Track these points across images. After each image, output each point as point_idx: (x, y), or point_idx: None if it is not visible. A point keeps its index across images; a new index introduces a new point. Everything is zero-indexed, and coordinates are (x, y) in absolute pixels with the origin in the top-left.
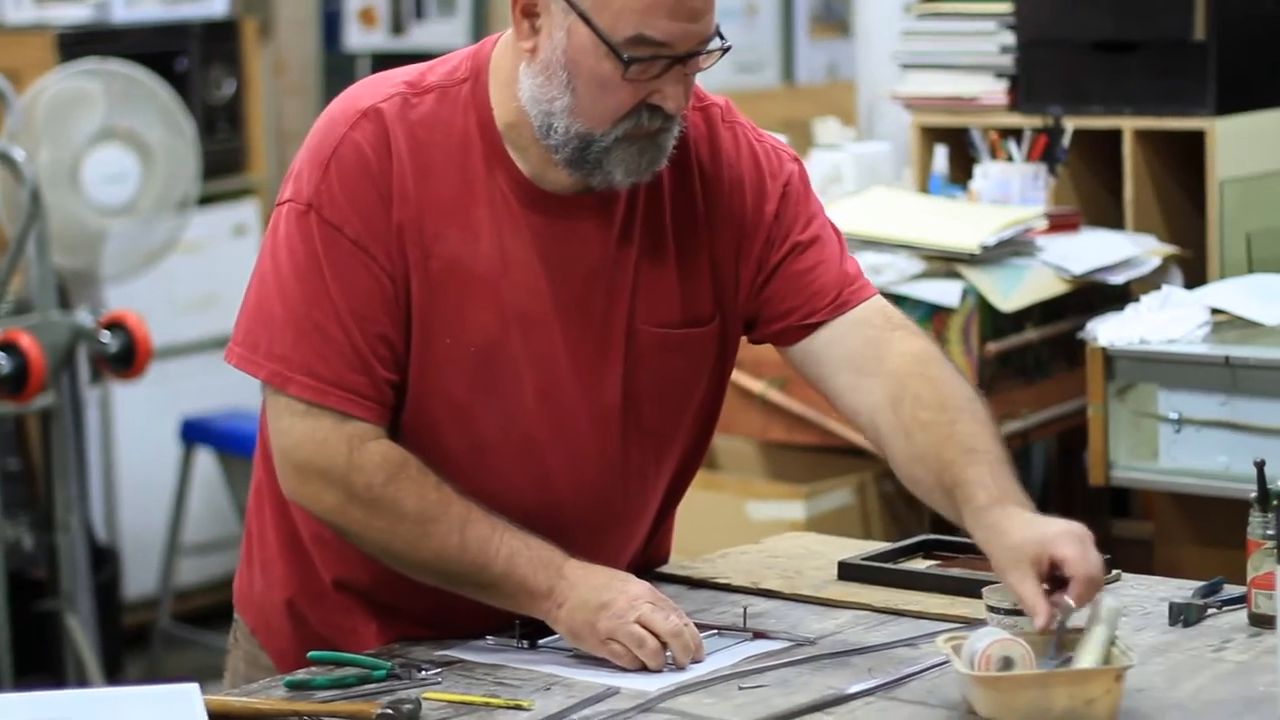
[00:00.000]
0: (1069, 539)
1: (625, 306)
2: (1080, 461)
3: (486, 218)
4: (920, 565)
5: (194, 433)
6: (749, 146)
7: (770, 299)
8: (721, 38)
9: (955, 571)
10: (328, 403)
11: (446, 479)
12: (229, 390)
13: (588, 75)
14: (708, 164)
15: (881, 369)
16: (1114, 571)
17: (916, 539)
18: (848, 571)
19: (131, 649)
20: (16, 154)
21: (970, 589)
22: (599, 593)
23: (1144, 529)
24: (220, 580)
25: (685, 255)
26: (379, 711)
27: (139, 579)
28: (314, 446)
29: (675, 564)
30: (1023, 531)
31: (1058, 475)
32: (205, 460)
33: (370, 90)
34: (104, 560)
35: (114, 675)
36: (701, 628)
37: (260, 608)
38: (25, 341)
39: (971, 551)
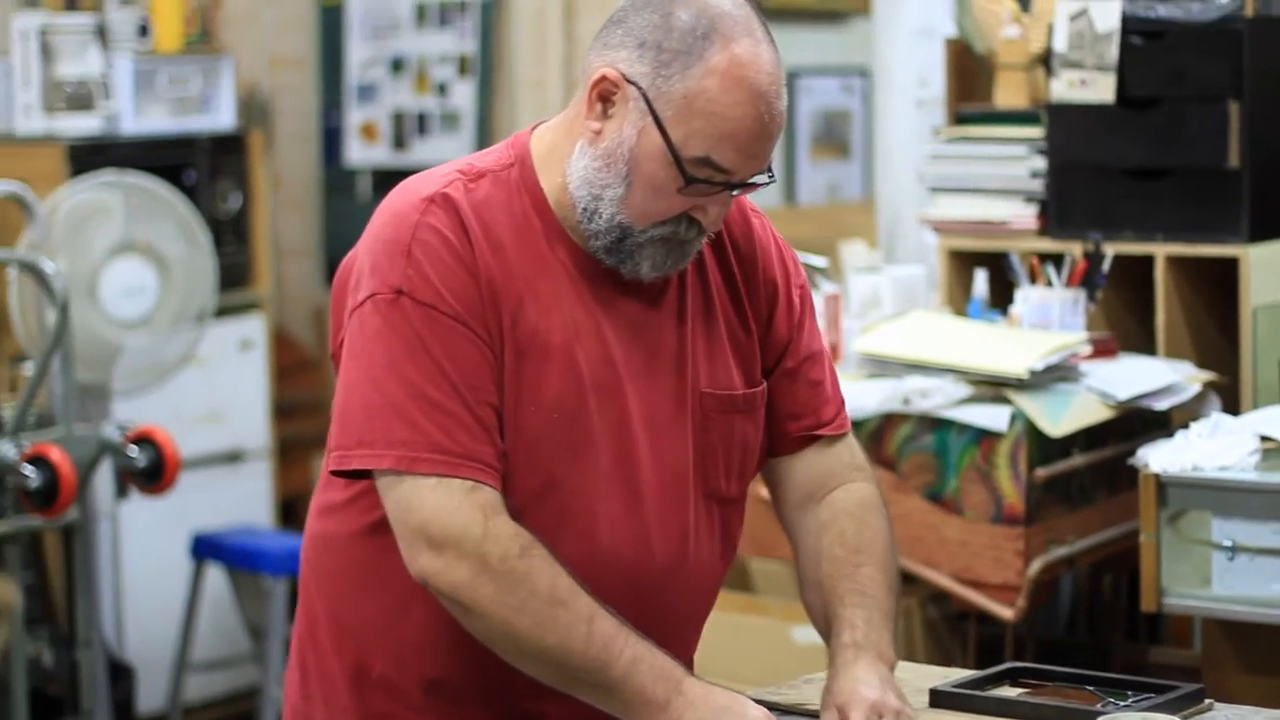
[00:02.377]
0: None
1: (689, 370)
2: (1117, 587)
3: (553, 291)
4: (1010, 693)
5: (204, 549)
6: (774, 238)
7: (781, 397)
8: (770, 172)
9: (1049, 700)
10: (459, 474)
11: None
12: (234, 506)
13: (647, 177)
14: (741, 241)
15: (825, 499)
16: (1206, 701)
17: (1003, 666)
18: (941, 699)
19: None
20: (46, 265)
21: (1066, 718)
22: (718, 714)
23: (1182, 656)
24: (228, 696)
25: (732, 320)
26: None
27: (147, 695)
28: (448, 516)
29: (756, 691)
30: (845, 681)
31: (1086, 601)
32: (215, 576)
33: (425, 182)
34: (120, 676)
35: None
36: None
37: None
38: (56, 455)
39: (1060, 680)
